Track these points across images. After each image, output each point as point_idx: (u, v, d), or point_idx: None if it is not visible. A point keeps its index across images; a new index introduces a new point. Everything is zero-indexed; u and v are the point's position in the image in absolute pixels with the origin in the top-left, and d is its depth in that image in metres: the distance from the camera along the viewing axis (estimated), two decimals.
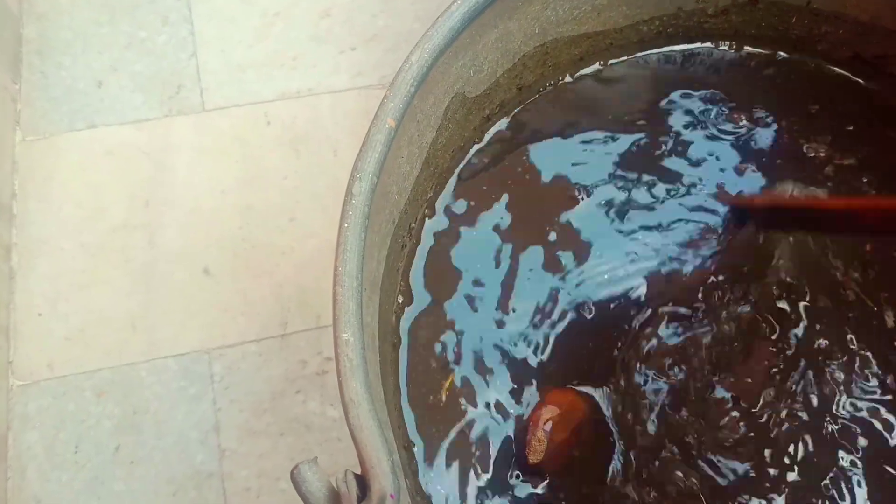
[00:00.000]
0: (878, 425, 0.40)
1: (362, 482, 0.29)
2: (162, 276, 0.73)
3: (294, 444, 0.67)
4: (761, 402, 0.41)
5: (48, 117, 0.80)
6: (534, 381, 0.41)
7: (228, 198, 0.76)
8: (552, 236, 0.45)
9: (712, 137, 0.48)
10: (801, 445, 0.39)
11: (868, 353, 0.41)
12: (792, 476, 0.39)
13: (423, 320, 0.45)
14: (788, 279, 0.43)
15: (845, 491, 0.39)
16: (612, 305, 0.43)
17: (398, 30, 0.85)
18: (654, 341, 0.42)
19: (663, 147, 0.48)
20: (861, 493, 0.39)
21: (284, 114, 0.80)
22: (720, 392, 0.40)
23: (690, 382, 0.41)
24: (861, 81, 0.48)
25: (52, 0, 0.85)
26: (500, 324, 0.44)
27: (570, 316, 0.43)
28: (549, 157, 0.48)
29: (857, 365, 0.41)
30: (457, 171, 0.49)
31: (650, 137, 0.48)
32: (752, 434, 0.40)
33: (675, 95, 0.49)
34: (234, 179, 0.77)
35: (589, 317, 0.43)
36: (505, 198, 0.48)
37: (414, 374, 0.42)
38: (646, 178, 0.48)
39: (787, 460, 0.39)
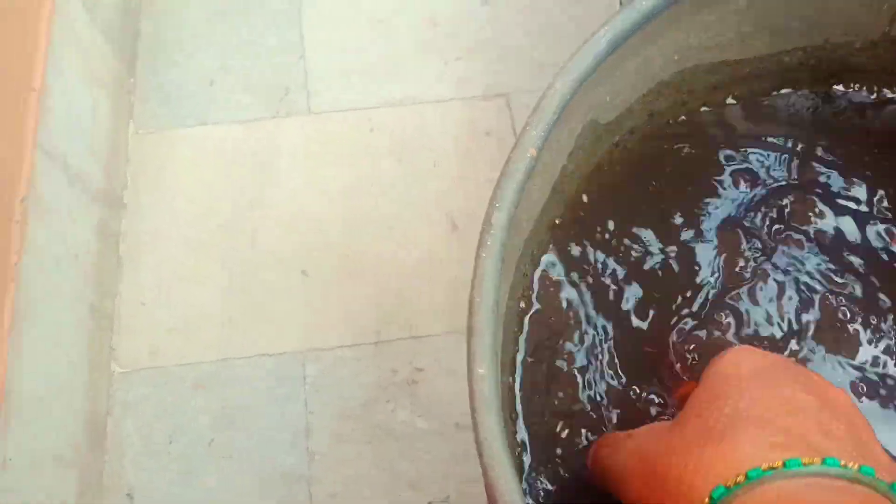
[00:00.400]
0: None
1: None
2: (262, 276, 0.74)
3: (382, 452, 0.68)
4: None
5: (160, 112, 0.82)
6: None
7: (330, 202, 0.77)
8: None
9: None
10: None
11: None
12: None
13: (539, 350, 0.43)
14: None
15: None
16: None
17: (504, 42, 0.84)
18: None
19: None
20: None
21: (388, 121, 0.80)
22: None
23: None
24: None
25: None
26: None
27: None
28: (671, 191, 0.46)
29: None
30: (583, 197, 0.48)
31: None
32: None
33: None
34: (337, 184, 0.78)
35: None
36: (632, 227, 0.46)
37: (530, 405, 0.41)
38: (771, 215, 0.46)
39: None
